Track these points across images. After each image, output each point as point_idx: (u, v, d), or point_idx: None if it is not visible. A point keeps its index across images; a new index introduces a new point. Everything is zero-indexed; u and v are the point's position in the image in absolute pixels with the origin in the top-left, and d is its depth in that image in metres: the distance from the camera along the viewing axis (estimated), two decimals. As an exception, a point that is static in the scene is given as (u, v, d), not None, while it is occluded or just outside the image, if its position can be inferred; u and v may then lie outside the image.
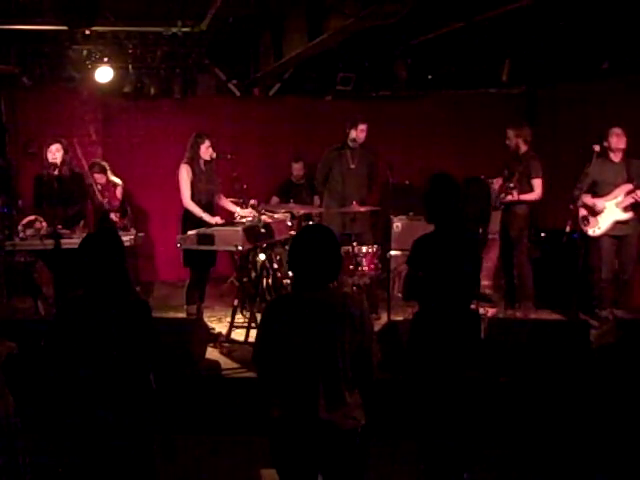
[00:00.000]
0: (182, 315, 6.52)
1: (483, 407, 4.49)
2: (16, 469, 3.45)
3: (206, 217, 6.16)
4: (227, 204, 6.64)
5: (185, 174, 6.22)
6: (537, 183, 6.79)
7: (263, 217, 6.32)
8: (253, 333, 5.89)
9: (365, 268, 6.66)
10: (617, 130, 6.40)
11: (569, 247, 6.46)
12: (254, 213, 6.39)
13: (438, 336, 3.91)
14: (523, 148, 6.90)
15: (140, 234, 6.81)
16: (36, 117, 8.41)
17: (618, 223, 6.45)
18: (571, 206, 6.50)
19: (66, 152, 6.57)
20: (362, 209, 6.84)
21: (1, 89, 8.42)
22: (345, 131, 7.07)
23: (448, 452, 3.93)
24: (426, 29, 7.15)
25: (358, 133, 7.03)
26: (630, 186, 6.38)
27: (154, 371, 3.20)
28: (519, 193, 6.72)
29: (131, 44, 7.86)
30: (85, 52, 7.88)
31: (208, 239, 5.87)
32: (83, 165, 6.92)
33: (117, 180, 7.53)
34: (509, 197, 6.74)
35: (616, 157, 6.46)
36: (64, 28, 6.69)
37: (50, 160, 6.46)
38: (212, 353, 5.98)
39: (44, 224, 6.25)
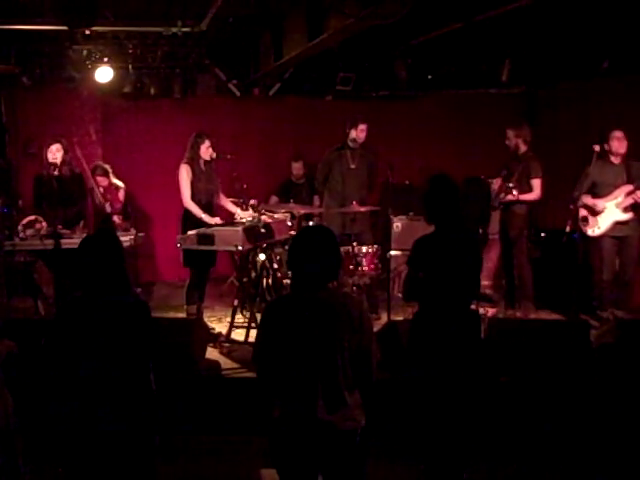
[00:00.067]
0: (182, 315, 6.53)
1: (483, 407, 4.49)
2: (15, 469, 3.45)
3: (206, 217, 6.16)
4: (227, 204, 6.64)
5: (185, 174, 6.23)
6: (536, 183, 6.79)
7: (263, 217, 6.32)
8: (253, 333, 5.89)
9: (365, 268, 6.66)
10: (618, 134, 6.39)
11: (569, 247, 6.46)
12: (255, 215, 6.38)
13: (438, 336, 3.91)
14: (523, 148, 6.90)
15: (140, 234, 6.81)
16: (36, 117, 8.42)
17: (618, 224, 6.44)
18: (571, 206, 6.50)
19: (66, 152, 6.58)
20: (362, 209, 6.84)
21: (1, 89, 8.42)
22: (345, 131, 7.08)
23: (448, 452, 3.93)
24: (426, 29, 7.15)
25: (358, 133, 7.04)
26: (630, 187, 6.38)
27: (154, 371, 3.20)
28: (519, 193, 6.72)
29: (131, 44, 7.86)
30: (85, 52, 7.88)
31: (208, 239, 5.87)
32: (84, 166, 6.93)
33: (119, 183, 7.54)
34: (509, 196, 6.74)
35: (616, 159, 6.45)
36: (64, 28, 6.68)
37: (50, 160, 6.46)
38: (212, 353, 5.97)
39: (44, 224, 6.25)
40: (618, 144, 6.38)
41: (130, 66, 8.16)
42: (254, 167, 8.64)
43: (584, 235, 6.52)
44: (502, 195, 6.83)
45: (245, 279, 6.66)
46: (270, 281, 6.83)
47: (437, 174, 4.20)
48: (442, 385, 3.91)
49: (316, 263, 3.03)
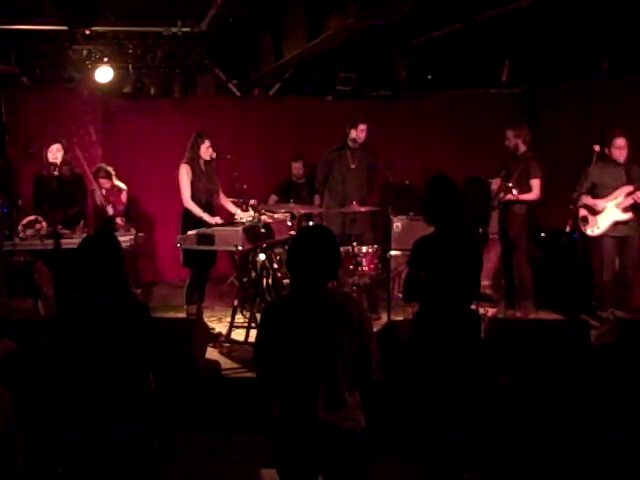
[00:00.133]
0: (182, 315, 6.53)
1: (483, 407, 4.49)
2: (15, 469, 3.45)
3: (206, 217, 6.16)
4: (227, 204, 6.64)
5: (185, 174, 6.23)
6: (535, 183, 6.79)
7: (263, 217, 6.32)
8: (253, 333, 5.89)
9: (365, 268, 6.66)
10: (619, 143, 6.37)
11: (569, 247, 6.46)
12: (255, 215, 6.38)
13: (438, 336, 3.91)
14: (522, 148, 6.89)
15: (140, 234, 6.81)
16: (36, 117, 8.41)
17: (618, 224, 6.44)
18: (571, 206, 6.50)
19: (66, 152, 6.58)
20: (362, 209, 6.84)
21: (1, 89, 8.42)
22: (345, 131, 7.07)
23: (448, 452, 3.93)
24: (426, 29, 7.15)
25: (358, 133, 7.03)
26: (630, 187, 6.38)
27: (154, 371, 3.20)
28: (518, 192, 6.72)
29: (131, 44, 7.86)
30: (85, 52, 7.88)
31: (208, 239, 5.87)
32: (85, 169, 6.94)
33: (122, 185, 7.54)
34: (509, 196, 6.73)
35: (616, 163, 6.46)
36: (64, 28, 6.68)
37: (50, 160, 6.46)
38: (212, 353, 5.97)
39: (44, 224, 6.25)
40: (619, 153, 6.39)
41: (130, 66, 8.16)
42: (254, 167, 8.64)
43: (584, 235, 6.52)
44: (502, 195, 6.82)
45: (245, 279, 6.65)
46: (270, 281, 6.83)
47: (437, 174, 4.21)
48: (442, 385, 3.91)
49: (315, 263, 3.03)
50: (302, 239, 3.19)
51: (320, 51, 6.82)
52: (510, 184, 6.69)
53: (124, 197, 7.51)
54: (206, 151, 6.27)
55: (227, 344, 6.19)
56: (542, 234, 7.68)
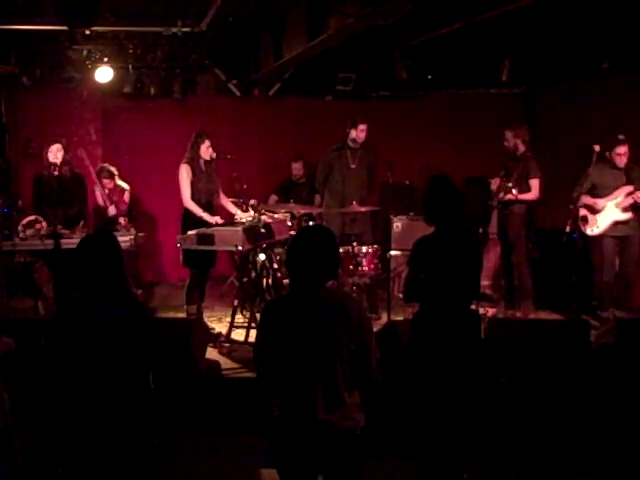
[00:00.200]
0: (182, 315, 6.52)
1: (483, 407, 4.49)
2: (15, 469, 3.45)
3: (206, 217, 6.16)
4: (227, 204, 6.64)
5: (185, 174, 6.23)
6: (535, 183, 6.79)
7: (263, 217, 6.32)
8: (253, 333, 5.88)
9: (365, 268, 6.66)
10: (621, 150, 6.37)
11: (569, 247, 6.46)
12: (255, 215, 6.38)
13: (438, 336, 3.91)
14: (521, 148, 6.89)
15: (140, 234, 6.81)
16: (36, 117, 8.42)
17: (618, 223, 6.45)
18: (571, 206, 6.50)
19: (66, 152, 6.58)
20: (362, 209, 6.84)
21: (1, 89, 8.42)
22: (345, 131, 7.07)
23: (448, 452, 3.93)
24: (426, 29, 7.16)
25: (358, 133, 7.03)
26: (630, 187, 6.39)
27: (153, 371, 3.20)
28: (518, 192, 6.72)
29: (131, 44, 7.86)
30: (85, 52, 7.89)
31: (208, 239, 5.87)
32: (89, 169, 6.95)
33: (125, 185, 7.54)
34: (509, 196, 6.73)
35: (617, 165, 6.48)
36: (64, 28, 6.69)
37: (51, 160, 6.47)
38: (212, 353, 5.97)
39: (44, 224, 6.25)
40: (619, 159, 6.42)
41: (130, 66, 8.15)
42: (254, 167, 8.64)
43: (584, 235, 6.53)
44: (501, 195, 6.82)
45: (245, 279, 6.65)
46: (270, 281, 6.83)
47: (437, 174, 4.20)
48: (442, 385, 3.91)
49: (314, 263, 3.03)
50: (301, 239, 3.19)
51: (320, 51, 6.83)
52: (510, 184, 6.69)
53: (127, 197, 7.52)
54: (206, 151, 6.27)
55: (227, 344, 6.19)
56: (542, 234, 7.67)
